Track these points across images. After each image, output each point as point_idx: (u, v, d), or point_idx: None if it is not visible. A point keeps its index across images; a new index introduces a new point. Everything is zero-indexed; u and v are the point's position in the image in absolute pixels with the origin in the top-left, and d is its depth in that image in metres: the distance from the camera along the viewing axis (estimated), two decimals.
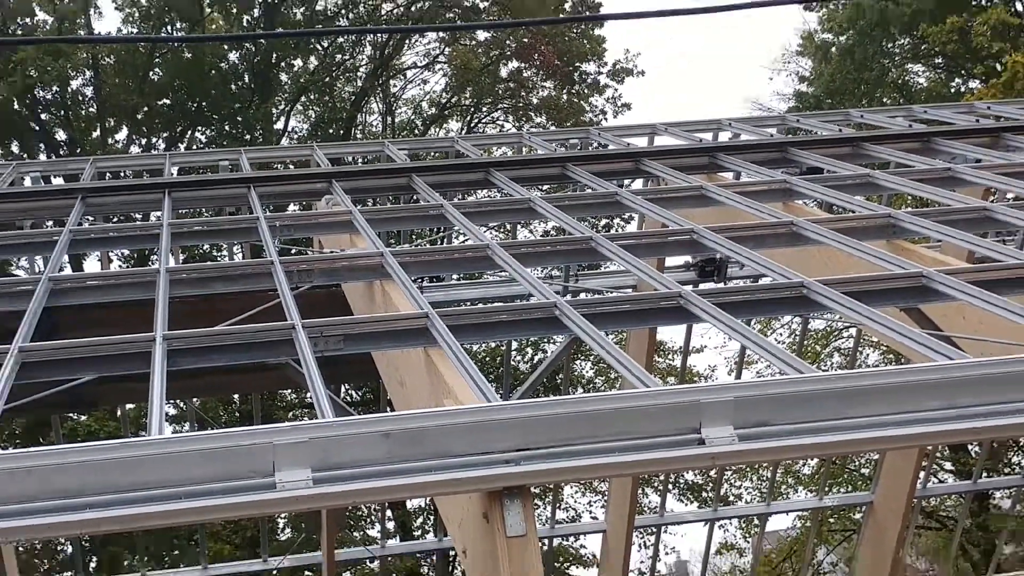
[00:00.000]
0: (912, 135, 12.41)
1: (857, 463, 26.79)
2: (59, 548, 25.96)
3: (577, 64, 34.12)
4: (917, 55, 35.65)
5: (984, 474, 19.97)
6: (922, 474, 14.92)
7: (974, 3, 33.28)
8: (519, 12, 32.85)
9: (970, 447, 24.74)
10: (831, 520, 27.25)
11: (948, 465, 28.32)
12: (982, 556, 26.32)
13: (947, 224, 8.72)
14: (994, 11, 31.40)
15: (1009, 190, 10.20)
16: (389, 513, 25.42)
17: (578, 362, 28.62)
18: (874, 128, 13.35)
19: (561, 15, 33.35)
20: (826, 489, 20.41)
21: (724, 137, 13.44)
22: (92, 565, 25.40)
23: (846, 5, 34.76)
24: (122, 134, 33.10)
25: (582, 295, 12.56)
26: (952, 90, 33.09)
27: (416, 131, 34.10)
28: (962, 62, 33.15)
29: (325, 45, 34.22)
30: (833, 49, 36.00)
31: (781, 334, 28.50)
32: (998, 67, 29.96)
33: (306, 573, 25.67)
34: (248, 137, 32.35)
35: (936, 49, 33.16)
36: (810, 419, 5.38)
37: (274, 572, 17.55)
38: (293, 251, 10.23)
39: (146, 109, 32.74)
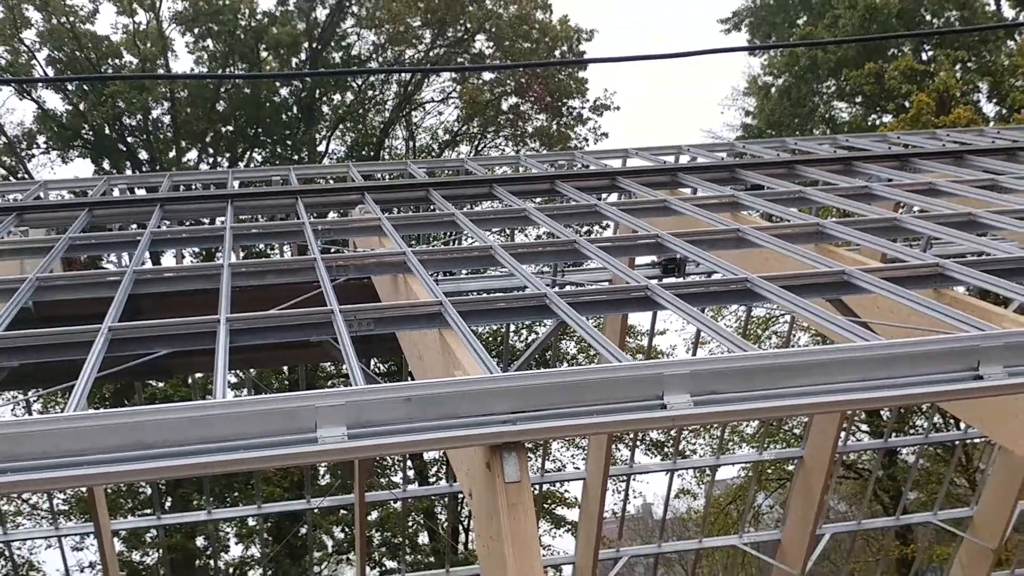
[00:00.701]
0: (836, 159, 12.39)
1: (790, 424, 26.78)
2: (140, 490, 25.96)
3: (565, 100, 34.04)
4: (841, 94, 35.56)
5: (893, 434, 19.98)
6: (843, 434, 14.91)
7: (888, 52, 33.21)
8: (517, 57, 32.83)
9: (882, 412, 24.73)
10: (769, 471, 27.25)
11: (864, 427, 28.32)
12: (891, 500, 26.37)
13: (864, 231, 8.71)
14: (904, 59, 31.35)
15: (914, 204, 10.20)
16: (409, 463, 25.46)
17: (564, 342, 28.59)
18: (806, 153, 13.33)
19: (551, 59, 33.34)
20: (765, 445, 20.39)
21: (684, 160, 13.42)
22: (167, 504, 25.40)
23: (784, 53, 34.71)
24: (193, 154, 33.04)
25: (567, 287, 12.55)
26: (869, 123, 33.01)
27: (433, 153, 34.03)
28: (877, 100, 33.09)
29: (359, 83, 34.16)
30: (773, 89, 35.91)
31: (729, 320, 28.44)
32: (906, 104, 29.91)
33: (341, 511, 25.70)
34: (296, 157, 32.29)
35: (856, 89, 33.10)
36: (752, 388, 5.38)
37: (315, 510, 17.55)
38: (332, 250, 10.21)
39: (213, 134, 32.69)
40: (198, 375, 16.30)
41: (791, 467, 19.00)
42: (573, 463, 28.54)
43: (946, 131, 16.14)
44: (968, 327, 5.97)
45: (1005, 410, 6.85)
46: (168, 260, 22.94)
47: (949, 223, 8.83)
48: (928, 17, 33.28)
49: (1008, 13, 35.54)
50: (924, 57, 32.89)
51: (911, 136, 15.14)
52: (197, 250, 26.45)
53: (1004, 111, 31.36)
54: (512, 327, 26.81)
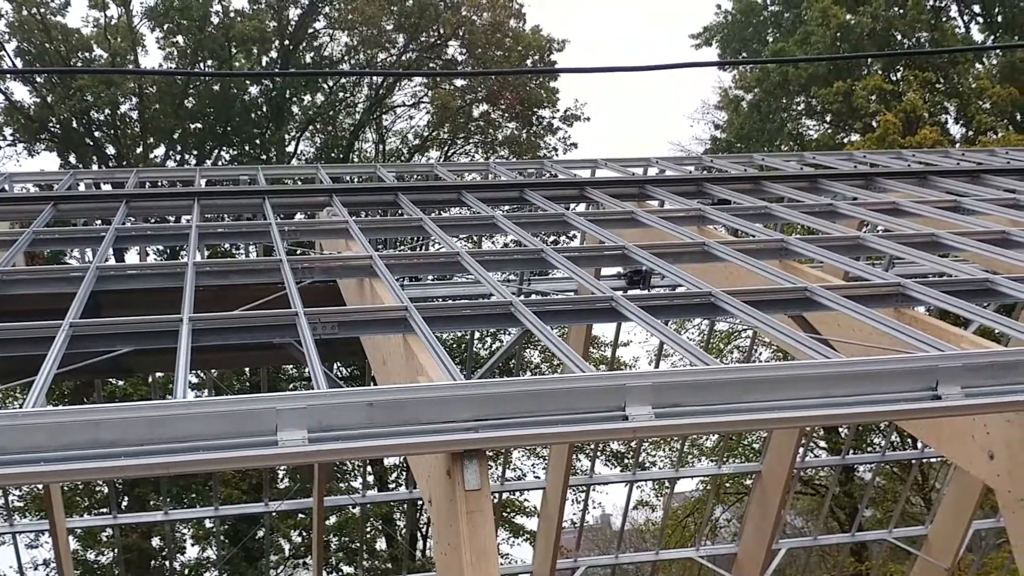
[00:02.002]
0: (803, 176, 12.47)
1: (749, 439, 26.90)
2: (96, 488, 25.72)
3: (535, 109, 34.12)
4: (810, 112, 35.85)
5: (851, 451, 20.13)
6: (801, 449, 14.99)
7: (858, 71, 33.48)
8: (489, 64, 32.86)
9: (840, 429, 24.89)
10: (727, 485, 27.36)
11: (822, 443, 28.50)
12: (847, 517, 26.53)
13: (828, 249, 8.78)
14: (873, 78, 31.64)
15: (878, 223, 10.29)
16: (369, 468, 25.37)
17: (528, 350, 28.58)
18: (773, 169, 13.41)
19: (523, 67, 33.41)
20: (724, 459, 20.46)
21: (652, 172, 13.45)
22: (123, 503, 25.18)
23: (755, 68, 34.93)
24: (160, 150, 32.83)
25: (533, 296, 12.56)
26: (836, 141, 33.26)
27: (402, 158, 33.97)
28: (845, 119, 33.35)
29: (330, 84, 34.07)
30: (743, 103, 36.12)
31: (692, 333, 28.55)
32: (873, 124, 30.18)
33: (299, 515, 25.57)
34: (264, 157, 32.15)
35: (825, 107, 33.37)
36: (713, 402, 5.40)
37: (273, 514, 17.44)
38: (298, 252, 10.18)
39: (181, 130, 32.49)
40: (159, 374, 16.16)
41: (749, 481, 19.08)
42: (533, 472, 28.55)
43: (912, 151, 16.28)
44: (927, 347, 6.03)
45: (962, 430, 6.91)
46: (132, 257, 22.76)
47: (912, 243, 8.93)
48: (899, 38, 33.60)
49: (977, 36, 35.99)
50: (893, 77, 33.20)
51: (877, 155, 15.26)
52: (161, 248, 26.27)
53: (970, 133, 31.71)
54: (477, 334, 26.80)
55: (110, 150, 32.19)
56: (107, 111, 31.51)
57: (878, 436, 25.92)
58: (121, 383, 24.52)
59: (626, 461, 27.81)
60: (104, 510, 24.42)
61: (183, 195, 11.03)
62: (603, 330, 25.57)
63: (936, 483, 23.57)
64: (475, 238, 15.58)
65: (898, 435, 24.32)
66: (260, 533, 22.92)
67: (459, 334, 25.05)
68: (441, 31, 34.05)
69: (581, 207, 11.68)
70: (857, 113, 31.49)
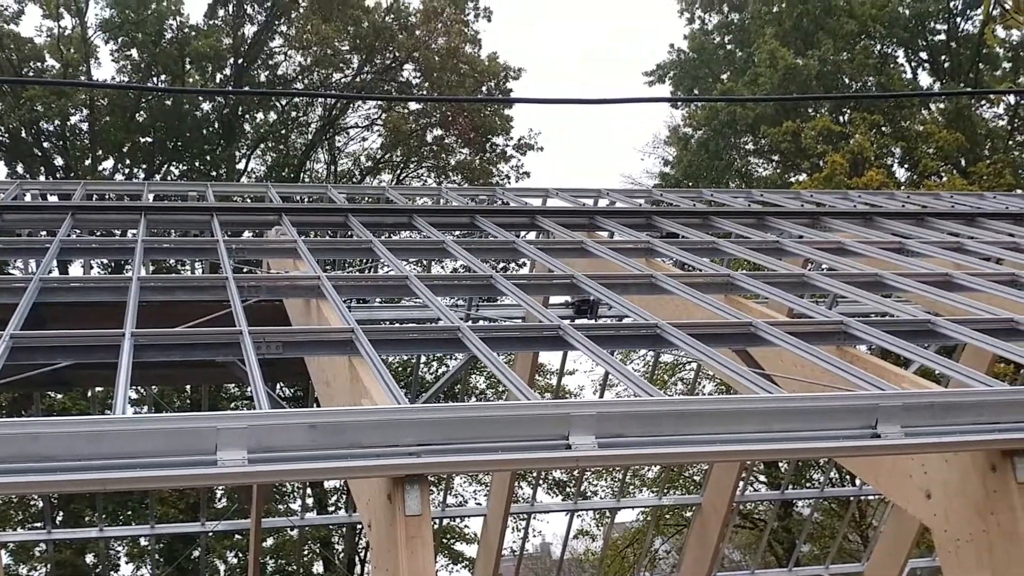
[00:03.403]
0: (750, 213, 12.57)
1: (690, 471, 26.99)
2: (31, 503, 25.26)
3: (489, 136, 34.20)
4: (758, 150, 36.24)
5: (790, 486, 20.26)
6: (741, 483, 15.06)
7: (806, 112, 33.92)
8: (444, 89, 32.92)
9: (780, 464, 25.06)
10: (667, 516, 27.42)
11: (762, 477, 28.67)
12: (784, 552, 26.69)
13: (773, 285, 8.84)
14: (821, 119, 32.06)
15: (823, 261, 10.39)
16: (309, 490, 25.12)
17: (474, 376, 28.52)
18: (721, 205, 13.51)
19: (478, 95, 33.47)
20: (665, 491, 20.52)
21: (602, 203, 13.50)
22: (58, 519, 24.73)
23: (704, 107, 35.27)
24: (109, 163, 32.49)
25: (481, 322, 12.53)
26: (784, 180, 33.64)
27: (354, 179, 33.88)
28: (793, 158, 33.74)
29: (283, 103, 33.92)
30: (692, 141, 36.45)
31: (637, 364, 28.66)
32: (821, 164, 30.56)
33: (236, 536, 25.24)
34: (214, 173, 31.92)
35: (774, 147, 33.76)
36: (656, 433, 5.41)
37: (210, 534, 17.21)
38: (245, 270, 10.08)
39: (131, 144, 32.20)
40: (98, 389, 15.91)
41: (689, 513, 19.14)
42: (475, 499, 28.44)
43: (858, 192, 16.50)
44: (868, 385, 6.09)
45: (900, 469, 6.97)
46: (76, 270, 22.45)
47: (856, 283, 9.02)
48: (847, 80, 34.12)
49: (924, 81, 36.65)
50: (841, 119, 33.67)
51: (824, 195, 15.44)
52: (106, 261, 25.96)
53: (915, 176, 32.20)
54: (423, 359, 26.69)
55: (59, 161, 31.83)
56: (57, 122, 31.17)
57: (817, 472, 26.13)
58: (60, 397, 24.13)
59: (568, 490, 27.79)
60: (38, 524, 23.97)
61: (130, 209, 10.90)
62: (549, 358, 25.61)
63: (873, 520, 23.79)
64: (425, 262, 15.54)
65: (837, 472, 24.55)
66: (196, 553, 22.59)
67: (405, 358, 24.97)
68: (396, 54, 34.07)
69: (531, 235, 11.69)
70: (805, 153, 31.89)
